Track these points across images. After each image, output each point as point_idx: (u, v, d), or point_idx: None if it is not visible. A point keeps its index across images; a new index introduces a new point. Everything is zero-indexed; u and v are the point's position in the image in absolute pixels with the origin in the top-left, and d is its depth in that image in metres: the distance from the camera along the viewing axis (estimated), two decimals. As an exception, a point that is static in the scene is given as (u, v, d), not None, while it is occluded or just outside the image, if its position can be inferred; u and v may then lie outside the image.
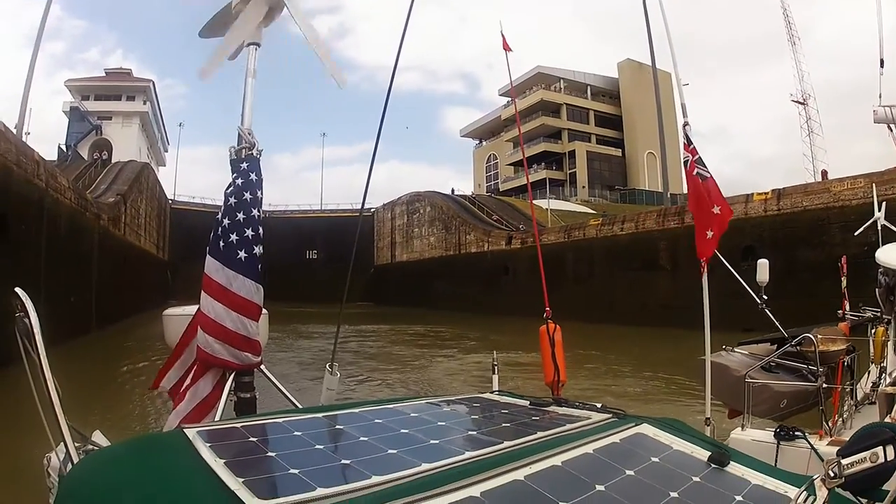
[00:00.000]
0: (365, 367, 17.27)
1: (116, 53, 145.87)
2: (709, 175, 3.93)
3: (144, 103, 64.61)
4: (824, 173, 49.24)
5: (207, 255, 2.95)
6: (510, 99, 75.37)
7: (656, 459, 1.76)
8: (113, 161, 51.96)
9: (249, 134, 3.09)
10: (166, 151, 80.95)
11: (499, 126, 79.62)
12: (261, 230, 3.01)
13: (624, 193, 67.67)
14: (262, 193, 3.05)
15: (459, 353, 20.97)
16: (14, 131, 22.99)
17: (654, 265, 29.31)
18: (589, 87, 74.13)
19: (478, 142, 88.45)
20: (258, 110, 3.27)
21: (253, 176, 3.01)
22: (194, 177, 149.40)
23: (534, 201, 56.59)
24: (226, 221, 2.95)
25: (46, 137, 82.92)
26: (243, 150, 3.06)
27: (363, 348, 22.41)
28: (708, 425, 3.71)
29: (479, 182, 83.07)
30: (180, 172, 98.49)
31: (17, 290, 1.81)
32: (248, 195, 2.98)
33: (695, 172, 3.83)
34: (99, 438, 2.10)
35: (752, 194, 25.79)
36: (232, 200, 2.98)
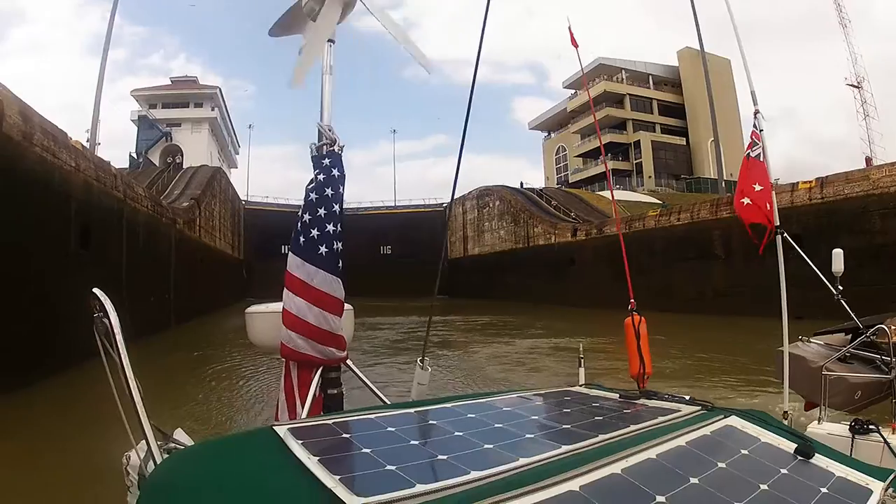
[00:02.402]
0: (437, 356, 17.36)
1: (179, 58, 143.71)
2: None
3: (212, 109, 65.11)
4: (868, 160, 46.84)
5: (289, 252, 2.95)
6: (574, 91, 74.57)
7: (745, 451, 1.78)
8: (185, 166, 53.16)
9: (330, 130, 3.09)
10: (237, 154, 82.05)
11: (566, 118, 78.43)
12: (341, 225, 2.99)
13: (689, 182, 65.64)
14: (343, 189, 3.04)
15: (521, 339, 21.30)
16: (87, 143, 24.33)
17: (709, 254, 29.20)
18: (650, 77, 72.07)
19: (546, 133, 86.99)
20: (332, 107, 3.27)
21: (335, 171, 3.01)
22: (269, 176, 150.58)
23: (599, 193, 56.05)
24: (306, 217, 2.94)
25: (112, 143, 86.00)
26: (324, 147, 3.07)
27: (434, 337, 22.60)
28: (786, 418, 3.64)
29: (549, 174, 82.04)
30: (253, 172, 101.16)
31: (95, 290, 1.81)
32: (329, 191, 2.97)
33: (749, 154, 3.91)
34: (181, 436, 2.08)
35: (798, 183, 25.25)
36: (313, 196, 2.97)
